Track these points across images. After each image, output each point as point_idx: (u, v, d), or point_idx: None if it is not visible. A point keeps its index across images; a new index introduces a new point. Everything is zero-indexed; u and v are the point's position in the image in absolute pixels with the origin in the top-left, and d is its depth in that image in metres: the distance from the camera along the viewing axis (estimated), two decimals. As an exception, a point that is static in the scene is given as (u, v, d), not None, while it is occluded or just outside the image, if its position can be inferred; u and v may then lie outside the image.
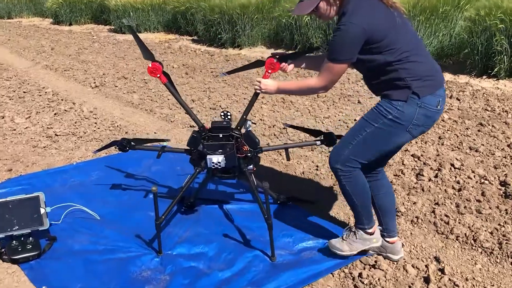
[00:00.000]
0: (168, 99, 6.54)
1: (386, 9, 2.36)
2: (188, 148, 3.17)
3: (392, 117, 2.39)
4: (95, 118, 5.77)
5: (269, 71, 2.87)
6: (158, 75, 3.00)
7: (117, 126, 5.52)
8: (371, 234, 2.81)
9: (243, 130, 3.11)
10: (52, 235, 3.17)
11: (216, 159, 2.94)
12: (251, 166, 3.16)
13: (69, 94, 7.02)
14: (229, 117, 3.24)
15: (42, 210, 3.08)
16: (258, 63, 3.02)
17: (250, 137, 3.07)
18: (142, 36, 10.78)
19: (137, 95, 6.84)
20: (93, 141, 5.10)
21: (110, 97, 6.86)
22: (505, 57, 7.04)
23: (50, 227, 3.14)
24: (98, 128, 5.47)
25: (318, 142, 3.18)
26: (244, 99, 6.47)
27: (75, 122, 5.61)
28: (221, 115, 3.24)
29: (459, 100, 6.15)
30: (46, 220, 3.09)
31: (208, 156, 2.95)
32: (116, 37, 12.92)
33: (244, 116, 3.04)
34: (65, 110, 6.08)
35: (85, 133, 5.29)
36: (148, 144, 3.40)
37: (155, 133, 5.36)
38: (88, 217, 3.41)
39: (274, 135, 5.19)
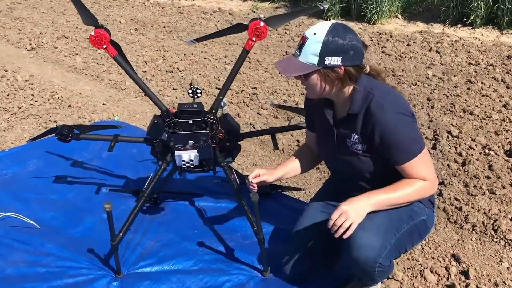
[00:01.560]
0: (117, 62, 5.70)
1: None
2: (149, 137, 2.49)
3: (424, 218, 2.15)
4: (32, 89, 4.92)
5: (254, 38, 2.20)
6: (105, 46, 2.26)
7: (59, 98, 4.70)
8: None
9: (218, 114, 2.45)
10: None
11: (188, 156, 2.29)
12: (230, 158, 2.53)
13: (0, 58, 6.05)
14: (198, 95, 2.56)
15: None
16: (239, 28, 2.32)
17: (228, 122, 2.42)
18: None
19: (80, 58, 5.96)
20: (29, 118, 4.29)
21: (49, 61, 5.95)
22: (481, 3, 6.53)
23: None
24: (36, 101, 4.64)
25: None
26: (205, 58, 5.73)
27: (8, 95, 4.75)
28: (188, 93, 2.56)
29: (439, 53, 5.63)
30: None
31: (176, 153, 2.29)
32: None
33: (221, 97, 2.37)
34: (-5, 79, 5.18)
35: (19, 108, 4.47)
36: (96, 133, 2.67)
37: (103, 104, 4.59)
38: (24, 226, 2.71)
39: (244, 102, 4.53)
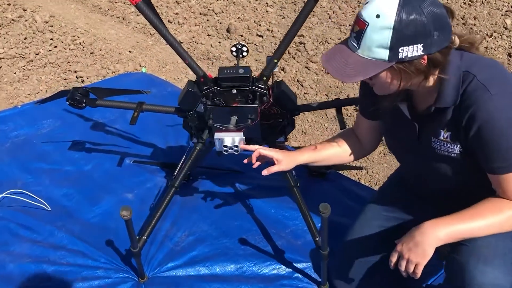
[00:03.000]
0: (146, 2, 5.09)
1: None
2: (181, 108, 1.96)
3: None
4: (52, 32, 4.39)
5: None
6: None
7: (80, 43, 4.17)
8: None
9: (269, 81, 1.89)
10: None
11: (231, 140, 1.75)
12: (282, 137, 1.99)
13: (19, -6, 5.50)
14: (244, 53, 2.00)
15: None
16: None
17: (283, 93, 1.86)
18: None
19: (105, -3, 5.36)
20: (47, 66, 3.80)
21: (71, 0, 5.37)
22: None
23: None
24: (55, 46, 4.12)
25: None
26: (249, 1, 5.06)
27: (25, 38, 4.23)
28: (231, 51, 2.00)
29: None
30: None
31: (217, 135, 1.75)
32: None
33: (275, 60, 1.79)
34: (12, 20, 4.65)
35: (37, 54, 3.97)
36: (115, 99, 2.14)
37: (130, 52, 4.05)
38: (33, 207, 2.27)
39: (289, 53, 3.92)
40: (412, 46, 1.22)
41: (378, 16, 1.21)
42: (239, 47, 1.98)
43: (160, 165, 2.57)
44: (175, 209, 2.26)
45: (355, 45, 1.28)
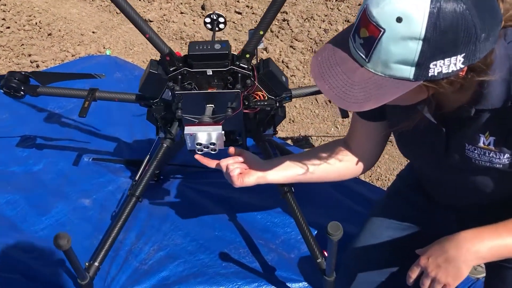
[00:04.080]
0: (112, -22, 4.62)
1: None
2: (143, 95, 1.57)
3: None
4: (4, 11, 3.90)
5: None
6: None
7: (36, 23, 3.70)
8: None
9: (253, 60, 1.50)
10: None
11: (206, 136, 1.36)
12: (271, 129, 1.62)
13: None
14: (221, 25, 1.61)
15: None
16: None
17: (271, 74, 1.47)
18: None
19: (68, -27, 4.87)
20: (-4, 50, 3.34)
21: (30, -24, 4.87)
22: None
23: None
24: (8, 27, 3.65)
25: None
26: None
27: (-27, 19, 3.75)
28: (205, 23, 1.61)
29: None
30: None
31: (187, 130, 1.36)
32: None
33: (261, 31, 1.40)
34: (-39, -1, 4.15)
35: (-14, 36, 3.50)
36: (62, 88, 1.72)
37: (93, 32, 3.61)
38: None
39: (271, 31, 3.52)
40: (449, 58, 0.83)
41: (400, 19, 0.80)
42: (215, 17, 1.59)
43: (124, 163, 2.17)
44: (142, 217, 1.88)
45: (363, 57, 0.87)
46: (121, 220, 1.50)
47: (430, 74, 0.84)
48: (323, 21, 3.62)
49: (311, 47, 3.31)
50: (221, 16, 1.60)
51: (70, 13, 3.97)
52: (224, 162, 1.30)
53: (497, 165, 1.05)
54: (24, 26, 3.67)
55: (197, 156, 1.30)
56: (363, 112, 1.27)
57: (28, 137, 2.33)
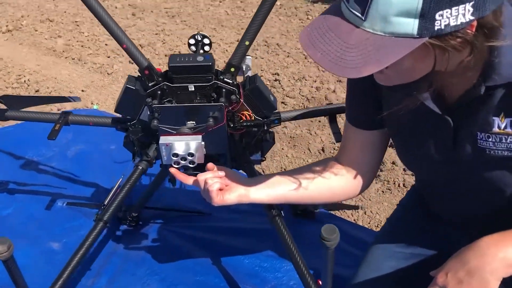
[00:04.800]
0: (106, 45, 4.67)
1: None
2: (119, 116, 1.45)
3: None
4: (-6, 72, 3.89)
5: None
6: None
7: (25, 81, 3.67)
8: None
9: (239, 78, 1.41)
10: None
11: (184, 146, 1.23)
12: (258, 155, 1.49)
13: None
14: (206, 48, 1.52)
15: None
16: None
17: (258, 91, 1.37)
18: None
19: (62, 40, 4.93)
20: (-18, 105, 3.25)
21: (25, 44, 4.93)
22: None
23: None
24: (-4, 85, 3.61)
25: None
26: (213, 42, 4.69)
27: (-39, 78, 3.72)
28: (189, 44, 1.52)
29: None
30: None
31: (162, 140, 1.23)
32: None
33: (246, 42, 1.31)
34: (-48, 62, 4.14)
35: (-28, 93, 3.43)
36: (35, 110, 1.61)
37: (82, 91, 3.56)
38: None
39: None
40: (456, 7, 0.73)
41: None
42: (199, 38, 1.52)
43: (100, 207, 2.00)
44: (116, 262, 1.69)
45: (359, 15, 0.77)
46: (84, 246, 1.32)
47: (436, 28, 0.74)
48: (315, 81, 3.59)
49: (303, 103, 3.25)
50: (206, 37, 1.53)
51: (61, 73, 3.96)
52: (202, 177, 1.15)
53: None
54: (12, 84, 3.63)
55: (172, 170, 1.16)
56: (357, 120, 1.16)
57: (0, 182, 2.18)
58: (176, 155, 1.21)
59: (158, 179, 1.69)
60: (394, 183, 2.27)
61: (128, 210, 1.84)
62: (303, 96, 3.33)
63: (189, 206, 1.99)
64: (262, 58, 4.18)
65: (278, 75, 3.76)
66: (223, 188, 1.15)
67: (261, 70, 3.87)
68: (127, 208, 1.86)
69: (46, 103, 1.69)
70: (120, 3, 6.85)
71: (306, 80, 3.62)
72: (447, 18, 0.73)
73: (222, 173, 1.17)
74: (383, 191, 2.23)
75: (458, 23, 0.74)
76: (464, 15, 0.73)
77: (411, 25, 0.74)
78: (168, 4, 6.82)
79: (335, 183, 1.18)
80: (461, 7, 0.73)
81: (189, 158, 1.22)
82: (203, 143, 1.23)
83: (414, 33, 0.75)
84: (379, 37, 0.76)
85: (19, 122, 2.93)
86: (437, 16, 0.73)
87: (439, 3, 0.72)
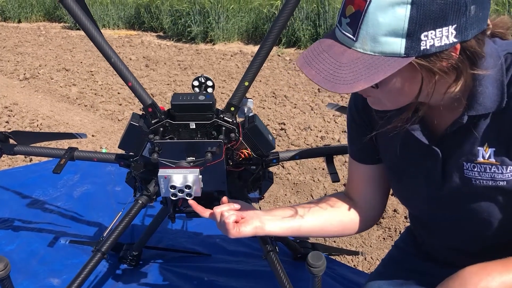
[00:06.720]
0: (119, 93, 4.81)
1: None
2: (123, 152, 1.51)
3: None
4: (9, 116, 4.01)
5: None
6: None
7: (38, 125, 3.78)
8: None
9: (240, 119, 1.47)
10: None
11: (181, 178, 1.27)
12: (256, 193, 1.52)
13: (-13, 87, 5.23)
14: (210, 89, 1.59)
15: None
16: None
17: (257, 130, 1.42)
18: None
19: (76, 89, 5.10)
20: (-5, 147, 3.34)
21: (40, 91, 5.10)
22: None
23: None
24: (10, 128, 3.71)
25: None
26: (222, 93, 4.82)
27: (-22, 121, 3.84)
28: (193, 85, 1.59)
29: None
30: None
31: (161, 172, 1.28)
32: (69, 32, 11.12)
33: (246, 83, 1.38)
34: (-30, 106, 4.29)
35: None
36: (43, 145, 1.68)
37: (92, 135, 3.64)
38: None
39: (269, 139, 3.53)
40: (440, 29, 0.79)
41: None
42: (203, 80, 1.59)
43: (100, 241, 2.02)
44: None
45: (351, 36, 0.83)
46: (80, 276, 1.34)
47: (422, 47, 0.80)
48: (320, 131, 3.66)
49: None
50: (209, 79, 1.60)
51: (73, 119, 4.07)
52: (218, 209, 1.18)
53: (501, 182, 0.93)
54: (25, 127, 3.73)
55: (190, 202, 1.19)
56: (357, 154, 1.20)
57: (6, 220, 2.22)
58: (173, 187, 1.26)
59: (158, 218, 1.72)
60: (395, 230, 2.27)
61: (129, 249, 1.86)
62: (308, 145, 3.39)
63: (189, 247, 2.01)
64: (270, 108, 4.28)
65: (284, 124, 3.83)
66: (238, 221, 1.17)
67: (268, 120, 3.95)
68: (127, 247, 1.88)
69: (54, 139, 1.74)
70: (134, 55, 7.11)
71: (311, 130, 3.68)
72: (431, 39, 0.79)
73: (237, 206, 1.20)
74: (384, 238, 2.23)
75: (442, 44, 0.80)
76: (447, 36, 0.79)
77: (399, 44, 0.80)
78: (181, 57, 7.06)
79: (346, 216, 1.21)
80: (445, 29, 0.79)
81: (187, 190, 1.26)
82: (200, 176, 1.28)
83: (401, 52, 0.80)
84: (369, 56, 0.82)
85: (28, 163, 3.01)
86: (422, 37, 0.79)
87: (424, 24, 0.78)
